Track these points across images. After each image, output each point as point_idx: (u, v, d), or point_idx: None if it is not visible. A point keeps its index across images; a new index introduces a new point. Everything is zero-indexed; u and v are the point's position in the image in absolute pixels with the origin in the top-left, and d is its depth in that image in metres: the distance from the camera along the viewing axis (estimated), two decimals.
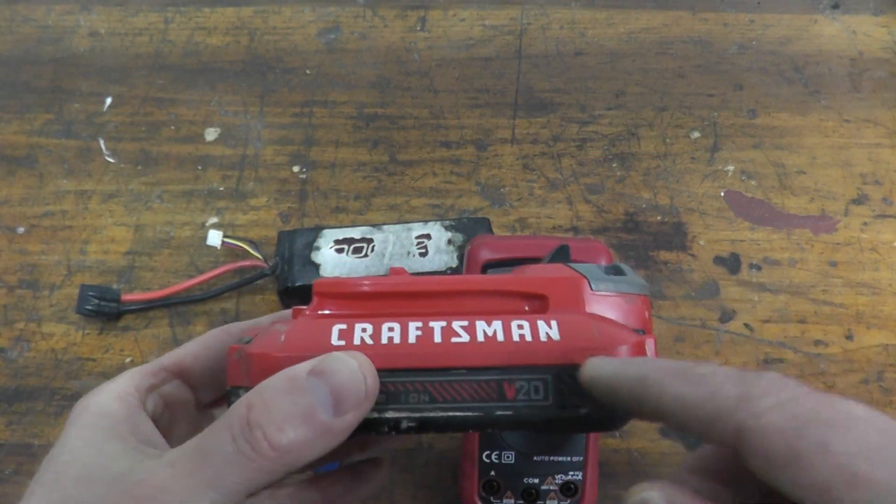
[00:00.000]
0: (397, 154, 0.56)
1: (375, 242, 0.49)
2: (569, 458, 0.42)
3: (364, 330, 0.28)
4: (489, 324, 0.28)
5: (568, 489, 0.42)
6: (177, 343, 0.49)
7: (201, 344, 0.35)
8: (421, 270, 0.48)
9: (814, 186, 0.55)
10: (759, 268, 0.52)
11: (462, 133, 0.57)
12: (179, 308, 0.51)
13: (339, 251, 0.48)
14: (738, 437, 0.23)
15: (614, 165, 0.56)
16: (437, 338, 0.28)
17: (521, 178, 0.55)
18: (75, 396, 0.48)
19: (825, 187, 0.55)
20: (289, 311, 0.33)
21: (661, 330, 0.50)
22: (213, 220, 0.54)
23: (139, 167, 0.56)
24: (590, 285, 0.30)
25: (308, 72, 0.59)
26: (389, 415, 0.28)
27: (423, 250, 0.48)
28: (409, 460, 0.47)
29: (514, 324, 0.28)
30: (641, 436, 0.47)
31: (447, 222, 0.49)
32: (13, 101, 0.58)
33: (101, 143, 0.57)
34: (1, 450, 0.47)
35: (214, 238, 0.50)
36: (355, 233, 0.49)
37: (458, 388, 0.28)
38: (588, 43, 0.61)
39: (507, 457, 0.43)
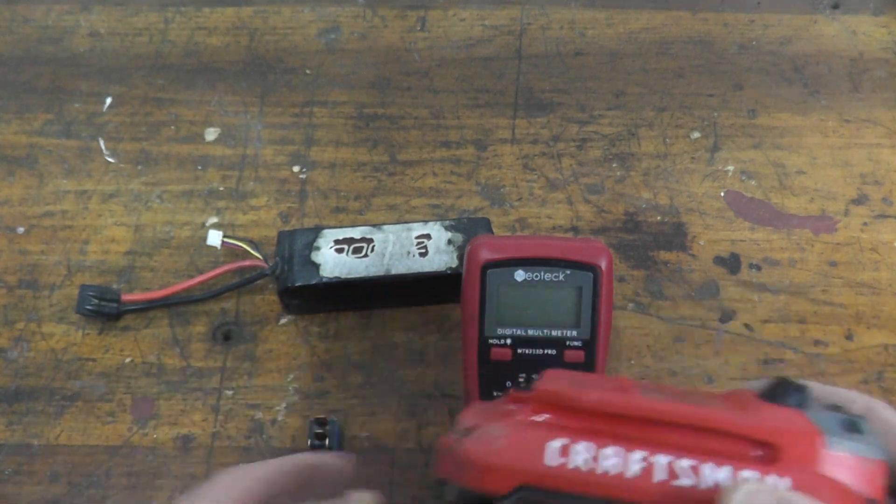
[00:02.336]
0: (397, 154, 0.56)
1: (375, 242, 0.49)
2: None
3: (583, 451, 0.27)
4: (717, 468, 0.26)
5: None
6: (177, 343, 0.50)
7: (292, 464, 0.34)
8: (421, 271, 0.48)
9: (814, 186, 0.55)
10: (759, 268, 0.52)
11: (462, 133, 0.57)
12: (179, 308, 0.51)
13: (339, 251, 0.48)
14: None
15: (614, 165, 0.56)
16: (660, 475, 0.27)
17: (521, 178, 0.55)
18: (75, 396, 0.48)
19: (825, 187, 0.55)
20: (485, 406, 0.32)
21: (661, 330, 0.50)
22: (213, 220, 0.54)
23: (139, 167, 0.56)
24: (826, 443, 0.27)
25: (308, 72, 0.59)
26: None
27: (423, 250, 0.48)
28: (409, 460, 0.47)
29: (741, 475, 0.26)
30: None
31: (447, 222, 0.49)
32: (13, 101, 0.58)
33: (101, 143, 0.57)
34: (1, 450, 0.47)
35: (214, 238, 0.50)
36: (355, 233, 0.49)
37: None
38: (588, 43, 0.61)
39: None
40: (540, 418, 0.29)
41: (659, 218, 0.54)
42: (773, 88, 0.59)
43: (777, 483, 0.26)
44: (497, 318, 0.41)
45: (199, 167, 0.56)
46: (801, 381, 0.31)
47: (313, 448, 0.45)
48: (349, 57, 0.60)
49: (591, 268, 0.41)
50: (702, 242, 0.53)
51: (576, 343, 0.41)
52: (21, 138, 0.57)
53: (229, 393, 0.48)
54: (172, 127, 0.57)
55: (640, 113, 0.58)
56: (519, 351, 0.41)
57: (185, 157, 0.56)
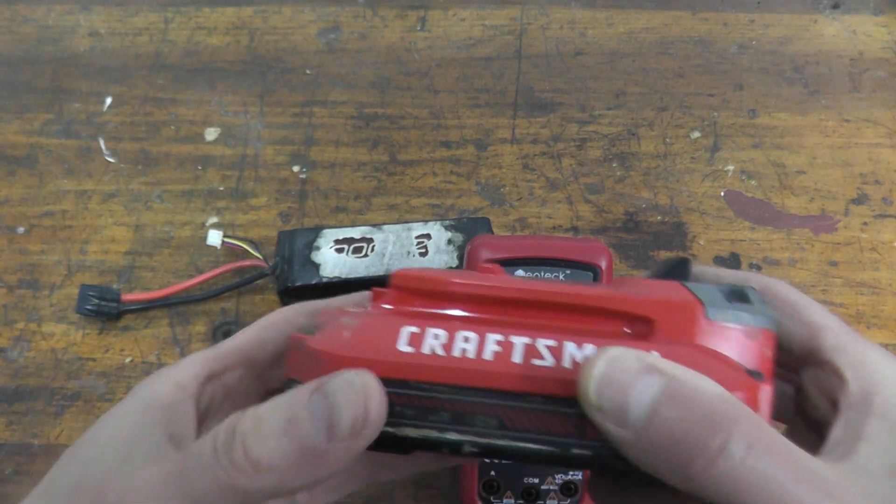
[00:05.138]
0: (397, 154, 0.56)
1: (375, 242, 0.49)
2: None
3: (436, 337, 0.25)
4: (579, 347, 0.24)
5: (568, 489, 0.42)
6: (177, 342, 0.50)
7: (268, 327, 0.32)
8: None
9: (814, 186, 0.55)
10: (759, 268, 0.52)
11: (462, 133, 0.57)
12: (179, 308, 0.51)
13: (339, 251, 0.48)
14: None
15: (614, 165, 0.56)
16: (517, 357, 0.24)
17: (521, 178, 0.55)
18: (75, 396, 0.48)
19: (825, 187, 0.55)
20: (367, 294, 0.29)
21: None
22: (213, 219, 0.54)
23: (139, 167, 0.56)
24: (706, 313, 0.25)
25: (308, 72, 0.59)
26: (451, 436, 0.24)
27: (423, 250, 0.49)
28: None
29: (605, 348, 0.24)
30: None
31: (447, 222, 0.49)
32: (13, 101, 0.58)
33: (101, 143, 0.57)
34: (1, 450, 0.47)
35: (214, 238, 0.50)
36: (355, 233, 0.49)
37: (532, 417, 0.24)
38: (588, 43, 0.61)
39: None
40: (392, 307, 0.27)
41: (659, 218, 0.54)
42: (773, 88, 0.59)
43: (645, 352, 0.23)
44: None
45: (199, 167, 0.56)
46: (685, 256, 0.28)
47: None
48: (349, 57, 0.60)
49: (591, 268, 0.41)
50: (702, 242, 0.53)
51: None
52: (21, 138, 0.57)
53: None
54: (172, 127, 0.57)
55: (640, 113, 0.58)
56: None
57: (185, 157, 0.56)
